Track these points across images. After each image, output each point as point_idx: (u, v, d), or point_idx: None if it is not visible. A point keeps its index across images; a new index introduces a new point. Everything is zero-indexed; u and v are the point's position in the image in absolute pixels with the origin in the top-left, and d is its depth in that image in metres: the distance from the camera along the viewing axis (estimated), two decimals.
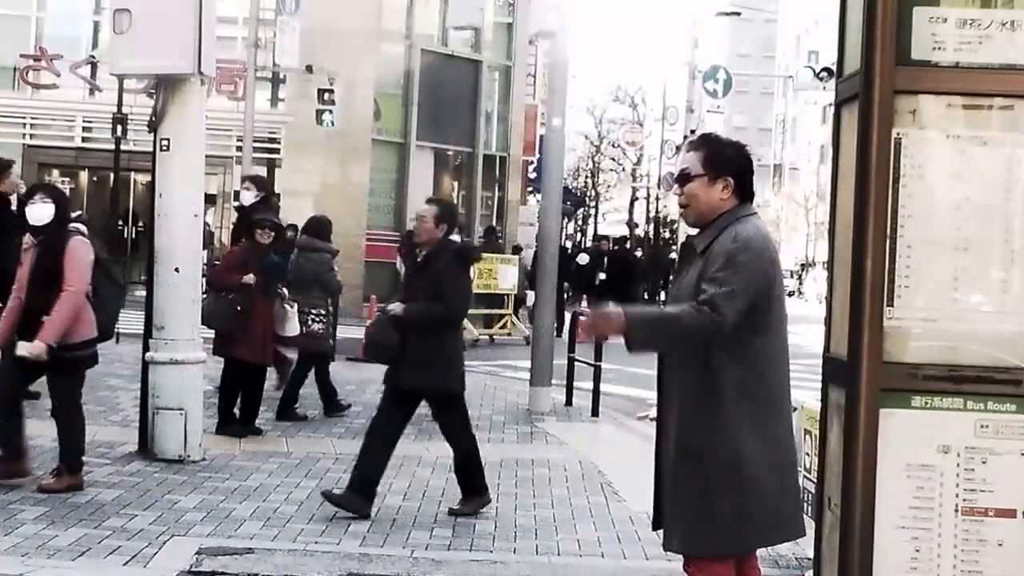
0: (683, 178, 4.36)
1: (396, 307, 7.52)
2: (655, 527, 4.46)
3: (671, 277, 4.56)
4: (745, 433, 4.17)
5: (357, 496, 7.32)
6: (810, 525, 5.44)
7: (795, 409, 6.65)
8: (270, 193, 12.17)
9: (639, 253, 40.61)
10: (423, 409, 7.73)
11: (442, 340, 7.36)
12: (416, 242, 7.66)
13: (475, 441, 7.66)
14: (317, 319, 11.05)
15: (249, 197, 11.22)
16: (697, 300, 4.12)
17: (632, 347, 4.16)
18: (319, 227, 11.55)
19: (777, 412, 4.28)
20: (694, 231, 4.41)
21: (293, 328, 10.46)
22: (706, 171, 4.29)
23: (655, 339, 4.24)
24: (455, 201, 29.61)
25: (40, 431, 9.41)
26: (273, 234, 10.07)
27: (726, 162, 4.31)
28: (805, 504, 6.35)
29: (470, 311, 13.74)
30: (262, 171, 26.18)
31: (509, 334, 21.72)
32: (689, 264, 4.34)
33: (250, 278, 9.70)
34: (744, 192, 4.33)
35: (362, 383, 13.61)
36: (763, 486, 4.19)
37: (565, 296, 27.08)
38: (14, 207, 9.47)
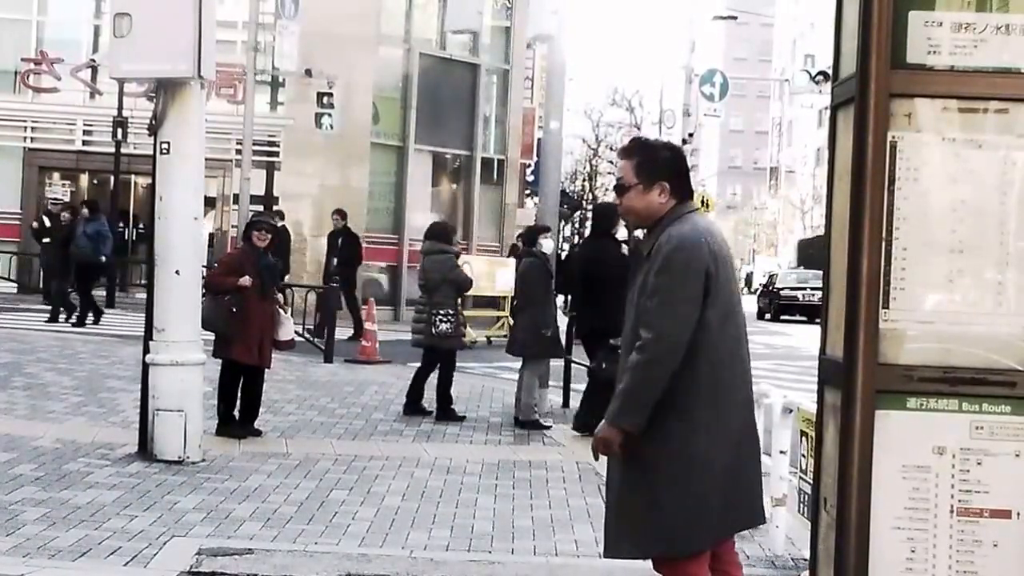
0: (619, 189, 4.36)
1: None
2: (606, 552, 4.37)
3: None
4: (680, 432, 4.12)
5: None
6: (806, 526, 5.47)
7: (790, 411, 6.68)
8: None
9: None
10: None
11: None
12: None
13: None
14: (445, 319, 11.30)
15: None
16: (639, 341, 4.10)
17: (638, 430, 4.12)
18: (442, 232, 12.03)
19: (724, 410, 4.18)
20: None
21: (288, 332, 10.48)
22: (639, 180, 4.26)
23: (640, 409, 4.13)
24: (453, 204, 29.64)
25: (41, 432, 9.47)
26: (269, 236, 10.10)
27: (659, 167, 4.28)
28: (801, 505, 6.39)
29: (466, 313, 13.79)
30: (261, 174, 26.23)
31: (506, 336, 21.67)
32: (640, 267, 4.32)
33: (246, 280, 9.74)
34: (682, 192, 4.30)
35: (360, 384, 13.64)
36: (703, 486, 4.12)
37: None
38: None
